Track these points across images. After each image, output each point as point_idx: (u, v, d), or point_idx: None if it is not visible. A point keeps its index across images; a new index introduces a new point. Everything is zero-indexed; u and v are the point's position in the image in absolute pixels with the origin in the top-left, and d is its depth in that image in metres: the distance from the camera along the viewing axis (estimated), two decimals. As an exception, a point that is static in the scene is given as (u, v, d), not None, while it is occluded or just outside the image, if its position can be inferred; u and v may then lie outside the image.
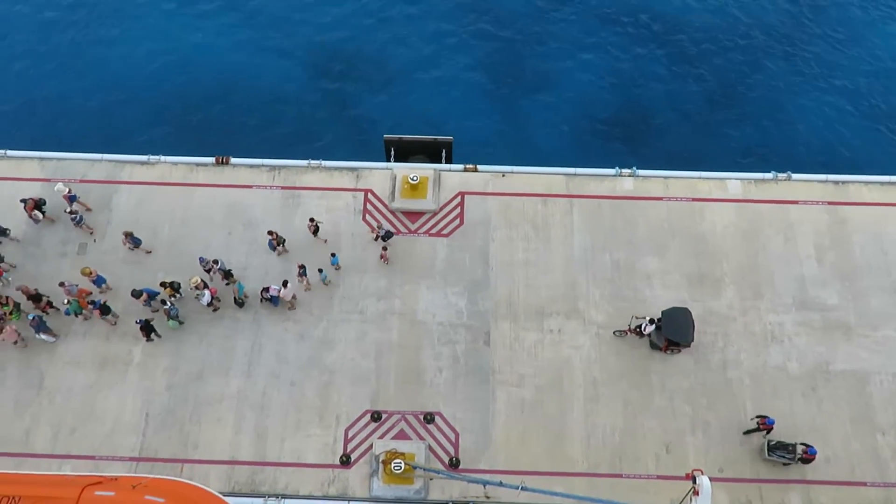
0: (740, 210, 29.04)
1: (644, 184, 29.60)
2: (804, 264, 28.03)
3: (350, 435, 24.97)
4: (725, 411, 25.34)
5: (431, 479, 23.92)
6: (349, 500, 23.90)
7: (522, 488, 20.92)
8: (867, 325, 26.92)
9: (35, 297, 25.73)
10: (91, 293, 26.17)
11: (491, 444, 24.91)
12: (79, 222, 27.43)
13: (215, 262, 26.44)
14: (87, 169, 29.44)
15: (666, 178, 29.72)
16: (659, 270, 27.83)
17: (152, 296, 25.98)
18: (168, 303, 25.56)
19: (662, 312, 25.60)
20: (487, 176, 29.77)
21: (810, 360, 26.34)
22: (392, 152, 31.47)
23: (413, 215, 28.82)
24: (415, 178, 28.78)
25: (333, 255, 27.15)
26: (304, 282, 26.86)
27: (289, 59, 40.88)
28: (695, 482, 20.46)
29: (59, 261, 27.49)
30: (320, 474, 24.39)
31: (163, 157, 29.79)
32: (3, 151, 29.68)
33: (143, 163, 29.69)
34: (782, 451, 24.03)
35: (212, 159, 29.72)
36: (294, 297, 26.55)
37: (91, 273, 25.93)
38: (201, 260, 26.49)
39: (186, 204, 28.86)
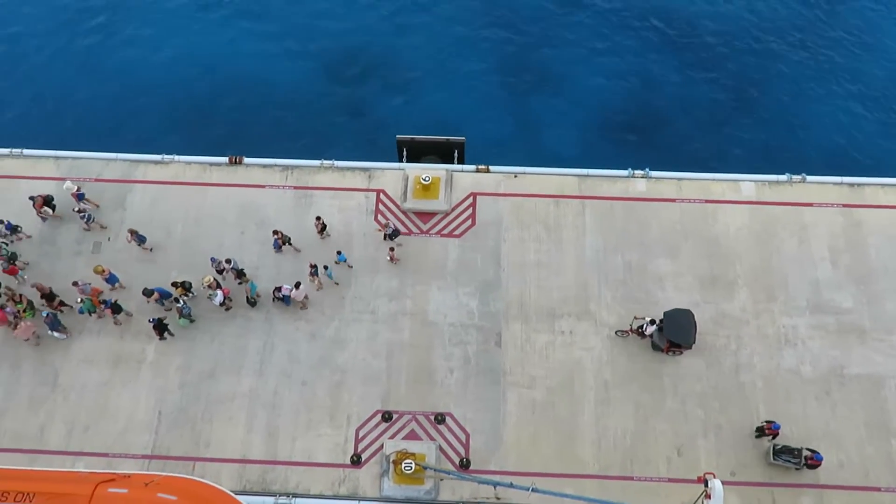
0: (754, 212, 28.86)
1: (657, 185, 29.49)
2: (818, 267, 27.82)
3: (361, 435, 25.02)
4: (738, 415, 25.19)
5: (442, 480, 23.92)
6: (360, 500, 23.94)
7: (533, 490, 20.83)
8: (882, 329, 26.67)
9: (49, 296, 25.96)
10: (103, 291, 26.37)
11: (501, 445, 24.88)
12: (88, 220, 27.66)
13: (228, 261, 26.57)
14: (102, 168, 29.68)
15: (679, 179, 29.60)
16: (671, 272, 27.71)
17: (164, 295, 26.14)
18: (181, 301, 25.71)
19: (664, 313, 25.46)
20: (499, 177, 29.75)
21: (824, 364, 26.14)
22: (404, 153, 31.52)
23: (425, 216, 28.84)
24: (427, 179, 28.80)
25: (339, 252, 27.23)
26: (316, 281, 26.95)
27: (302, 60, 41.02)
28: (707, 486, 20.32)
29: (74, 259, 27.72)
30: (331, 474, 24.45)
31: (177, 157, 29.99)
32: (19, 150, 29.99)
33: (157, 162, 29.90)
34: (788, 456, 23.87)
35: (225, 159, 29.88)
36: (306, 296, 26.63)
37: (104, 271, 26.13)
38: (212, 260, 26.64)
39: (200, 203, 29.03)
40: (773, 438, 24.30)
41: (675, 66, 41.25)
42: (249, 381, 25.80)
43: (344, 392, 25.69)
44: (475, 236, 28.49)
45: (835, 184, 29.47)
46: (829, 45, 41.88)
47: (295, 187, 29.43)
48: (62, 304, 26.24)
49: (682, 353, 25.96)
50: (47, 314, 25.30)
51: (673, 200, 29.13)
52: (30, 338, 25.86)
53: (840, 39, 42.12)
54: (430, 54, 41.31)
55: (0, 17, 42.03)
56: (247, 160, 29.93)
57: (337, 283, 27.32)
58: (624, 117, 39.57)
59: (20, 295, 26.03)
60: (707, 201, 29.05)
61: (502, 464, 24.53)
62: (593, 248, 28.21)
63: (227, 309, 26.74)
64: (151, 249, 27.90)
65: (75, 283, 25.80)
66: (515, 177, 29.74)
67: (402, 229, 28.40)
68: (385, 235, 27.58)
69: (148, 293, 25.89)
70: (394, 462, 23.90)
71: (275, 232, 27.20)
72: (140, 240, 27.42)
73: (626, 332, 26.30)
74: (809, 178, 29.51)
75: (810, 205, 29.00)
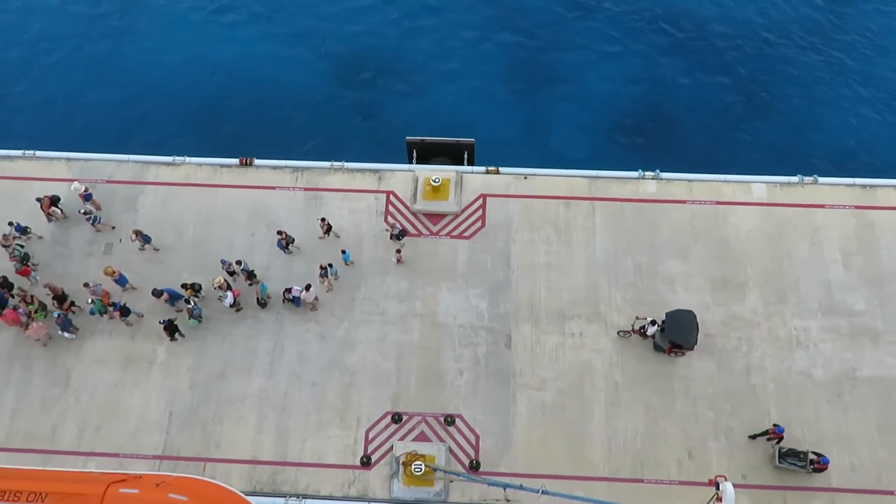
0: (765, 214, 28.73)
1: (667, 187, 29.39)
2: (830, 269, 27.66)
3: (371, 436, 25.05)
4: (749, 417, 25.06)
5: (451, 482, 23.91)
6: (369, 502, 23.97)
7: (543, 492, 20.78)
8: (895, 332, 26.46)
9: (60, 298, 26.13)
10: (111, 295, 26.50)
11: (511, 447, 24.85)
12: (94, 221, 27.81)
13: (238, 262, 26.66)
14: (114, 169, 29.84)
15: (690, 181, 29.50)
16: (682, 274, 27.61)
17: (173, 296, 26.26)
18: (191, 302, 25.82)
19: (666, 314, 25.36)
20: (509, 178, 29.72)
21: (836, 367, 25.98)
22: (414, 154, 31.56)
23: (435, 217, 28.86)
24: (437, 180, 28.81)
25: (344, 251, 27.30)
26: (326, 283, 27.00)
27: (312, 62, 41.13)
28: (718, 488, 20.26)
29: (86, 260, 27.88)
30: (341, 475, 24.48)
31: (188, 158, 30.10)
32: (31, 152, 30.18)
33: (168, 164, 30.03)
34: (793, 459, 23.74)
35: (236, 160, 29.99)
36: (316, 298, 26.69)
37: (114, 273, 26.27)
38: (223, 262, 26.74)
39: (211, 205, 29.14)
40: (778, 442, 24.15)
41: (685, 69, 41.11)
42: (260, 382, 25.88)
43: (354, 393, 25.72)
44: (485, 238, 28.48)
45: (847, 185, 29.30)
46: (841, 48, 41.64)
47: (305, 189, 29.50)
48: (73, 305, 26.40)
49: (683, 354, 25.87)
50: (58, 315, 25.47)
51: (683, 202, 29.03)
52: (41, 338, 26.02)
53: (851, 42, 41.87)
54: (440, 57, 41.34)
55: (14, 21, 42.31)
56: (257, 162, 30.03)
57: (336, 278, 27.30)
58: (634, 119, 39.48)
59: (31, 296, 26.20)
60: (718, 203, 28.93)
61: (512, 466, 24.50)
62: (603, 250, 28.15)
63: (238, 310, 26.83)
64: (157, 249, 28.02)
65: (86, 285, 25.96)
66: (525, 178, 29.71)
67: (412, 231, 28.43)
68: (391, 235, 27.61)
69: (157, 294, 26.02)
70: (404, 463, 23.90)
71: (279, 232, 27.30)
72: (145, 240, 27.57)
73: (628, 332, 26.25)
74: (821, 179, 29.35)
75: (822, 206, 28.84)
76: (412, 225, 28.67)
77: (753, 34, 42.22)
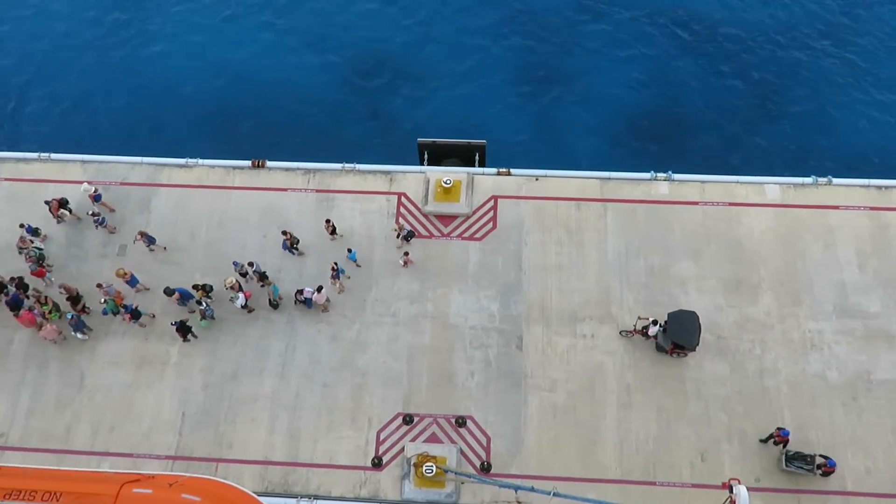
0: (779, 215, 28.54)
1: (680, 188, 29.26)
2: (845, 270, 27.44)
3: (382, 437, 25.08)
4: (762, 420, 24.87)
5: (462, 483, 23.89)
6: (380, 503, 24.00)
7: (554, 494, 20.74)
8: (911, 334, 26.26)
9: (74, 299, 26.37)
10: (125, 297, 26.71)
11: (523, 448, 24.81)
12: (101, 223, 28.06)
13: (250, 264, 26.81)
14: (128, 171, 30.07)
15: (702, 182, 29.33)
16: (694, 276, 27.48)
17: (184, 295, 26.43)
18: (204, 304, 25.97)
19: (669, 314, 25.23)
20: (521, 180, 29.69)
21: (851, 369, 25.76)
22: (425, 156, 31.62)
23: (446, 219, 28.87)
24: (448, 182, 28.83)
25: (350, 250, 27.37)
26: (338, 284, 27.08)
27: (324, 64, 41.28)
28: (731, 491, 20.15)
29: (100, 262, 28.10)
30: (352, 476, 24.53)
31: (200, 161, 30.30)
32: (46, 154, 30.48)
33: (181, 166, 30.23)
34: (800, 462, 23.55)
35: (248, 162, 30.15)
36: (327, 299, 26.77)
37: (125, 274, 26.49)
38: (235, 264, 26.89)
39: (223, 206, 29.31)
40: (784, 445, 23.97)
41: (697, 70, 40.91)
42: (271, 383, 25.98)
43: (365, 394, 25.77)
44: (496, 239, 28.46)
45: (862, 186, 29.05)
46: (853, 50, 41.25)
47: (317, 190, 29.60)
48: (86, 308, 26.63)
49: (686, 355, 25.75)
50: (72, 316, 25.70)
51: (696, 203, 28.88)
52: (56, 339, 26.27)
53: (864, 44, 41.48)
54: (451, 59, 41.35)
55: (30, 27, 42.70)
56: (269, 164, 30.16)
57: (348, 277, 27.39)
58: (646, 120, 39.33)
59: (46, 297, 26.46)
60: (731, 204, 28.76)
61: (523, 467, 24.46)
62: (615, 251, 28.06)
63: (250, 311, 26.96)
64: (165, 248, 28.22)
65: (99, 285, 26.18)
66: (537, 180, 29.67)
67: (424, 232, 28.47)
68: (399, 235, 27.65)
69: (169, 293, 26.20)
70: (415, 465, 23.91)
71: (284, 232, 27.42)
72: (149, 241, 27.78)
73: (631, 332, 26.16)
74: (836, 180, 29.12)
75: (836, 207, 28.61)
76: (423, 226, 28.70)
77: (766, 36, 41.93)
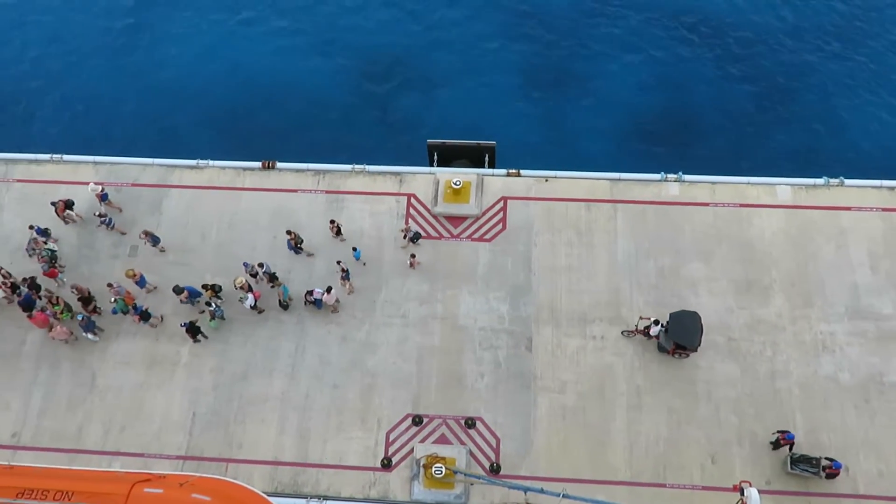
0: (790, 216, 28.38)
1: (690, 189, 29.15)
2: (857, 272, 27.25)
3: (391, 438, 25.11)
4: (774, 422, 24.72)
5: (472, 485, 23.86)
6: (390, 504, 24.07)
7: (564, 496, 20.69)
8: (924, 336, 26.06)
9: (86, 300, 26.54)
10: (136, 298, 26.86)
11: (532, 450, 24.78)
12: (108, 224, 28.22)
13: (260, 265, 26.90)
14: (139, 173, 30.24)
15: (713, 183, 29.21)
16: (705, 277, 27.36)
17: (193, 294, 26.56)
18: (213, 304, 26.07)
19: (670, 315, 25.12)
20: (530, 181, 29.65)
21: (863, 371, 25.58)
22: (435, 157, 31.64)
23: (456, 220, 28.87)
24: (458, 183, 28.84)
25: (355, 249, 27.45)
26: (348, 285, 27.13)
27: (334, 65, 41.38)
28: (742, 494, 20.06)
29: (112, 262, 28.26)
30: (361, 477, 24.56)
31: (211, 162, 30.42)
32: (59, 156, 30.69)
33: (192, 167, 30.37)
34: (805, 465, 23.40)
35: (258, 164, 30.25)
36: (337, 300, 26.82)
37: (135, 275, 26.64)
38: (245, 265, 27.00)
39: (234, 208, 29.42)
40: (791, 448, 23.81)
41: (707, 72, 40.75)
42: (281, 384, 26.06)
43: (374, 395, 25.81)
44: (506, 240, 28.44)
45: (874, 187, 28.84)
46: (865, 52, 40.97)
47: (327, 192, 29.67)
48: (97, 308, 26.81)
49: (688, 355, 25.65)
50: (82, 317, 25.86)
51: (706, 204, 28.76)
52: (67, 339, 26.45)
53: (875, 46, 41.18)
54: (461, 60, 41.36)
55: (44, 29, 43.01)
56: (280, 165, 30.26)
57: (349, 277, 27.40)
58: (656, 121, 39.18)
59: (57, 297, 26.63)
60: (742, 205, 28.62)
61: (533, 469, 24.43)
62: (625, 253, 27.98)
63: (260, 312, 27.05)
64: (163, 250, 28.33)
65: (110, 285, 26.35)
66: (546, 181, 29.63)
67: (433, 233, 28.49)
68: (405, 236, 27.68)
69: (178, 291, 26.34)
70: (424, 466, 23.93)
71: (288, 232, 27.49)
72: (154, 241, 27.93)
73: (632, 331, 26.08)
74: (847, 181, 28.93)
75: (849, 209, 28.42)
76: (433, 228, 28.72)
77: (775, 38, 41.70)
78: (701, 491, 23.92)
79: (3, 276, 27.05)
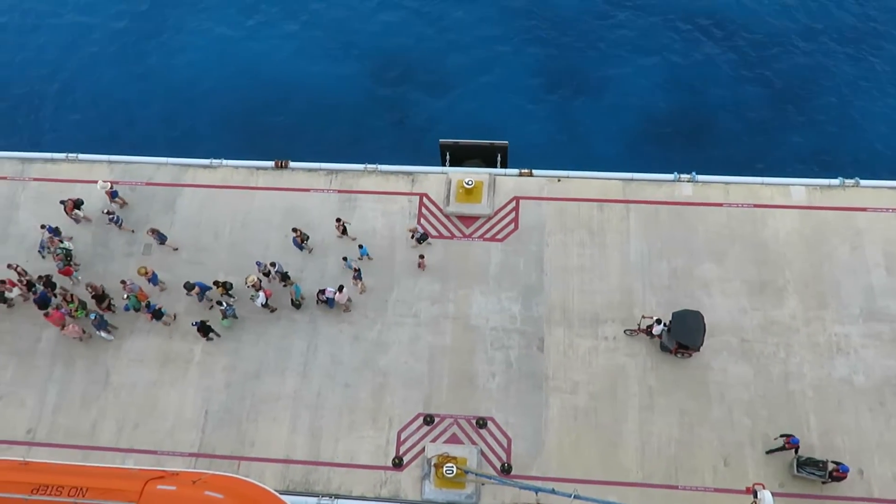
0: (804, 217, 28.17)
1: (704, 189, 29.00)
2: (872, 273, 27.01)
3: (403, 437, 25.14)
4: (787, 424, 24.56)
5: (483, 485, 23.86)
6: (401, 503, 24.05)
7: (575, 496, 20.64)
8: (940, 339, 25.79)
9: (100, 297, 26.76)
10: (150, 296, 27.07)
11: (543, 450, 24.74)
12: (116, 222, 28.43)
13: (273, 264, 27.01)
14: (154, 172, 30.45)
15: (727, 183, 29.04)
16: (718, 278, 27.21)
17: (204, 290, 26.71)
18: (224, 303, 26.19)
19: (673, 314, 25.06)
20: (543, 181, 29.60)
21: (878, 374, 25.35)
22: (447, 157, 31.63)
23: (468, 220, 28.87)
24: (470, 183, 28.83)
25: (361, 246, 27.56)
26: (360, 284, 27.19)
27: (346, 66, 41.48)
28: (756, 496, 19.95)
29: (126, 260, 28.48)
30: (373, 476, 24.61)
31: (224, 161, 30.59)
32: (74, 155, 30.95)
33: (205, 166, 30.55)
34: (812, 468, 23.23)
35: (271, 163, 30.39)
36: (349, 299, 26.89)
37: (147, 273, 26.84)
38: (258, 264, 27.12)
39: (247, 207, 29.56)
40: (796, 452, 23.64)
41: (721, 70, 40.50)
42: (293, 383, 26.15)
43: (386, 394, 25.85)
44: (518, 240, 28.41)
45: (890, 188, 28.57)
46: (880, 54, 40.57)
47: (339, 191, 29.75)
48: (110, 306, 27.02)
49: (690, 355, 25.53)
50: (95, 316, 26.07)
51: (720, 205, 28.60)
52: (81, 337, 26.68)
53: (892, 48, 40.77)
54: (473, 59, 41.34)
55: (59, 31, 43.39)
56: (292, 164, 30.38)
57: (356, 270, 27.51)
58: (669, 121, 38.99)
59: (71, 295, 26.86)
60: (756, 206, 28.44)
61: (544, 469, 24.39)
62: (638, 253, 27.88)
63: (272, 311, 27.16)
64: (177, 249, 28.57)
65: (123, 283, 26.55)
66: (559, 181, 29.57)
67: (445, 233, 28.50)
68: (412, 236, 27.70)
69: (189, 287, 26.50)
70: (435, 465, 23.95)
71: (294, 230, 27.59)
72: (160, 238, 28.11)
73: (635, 330, 25.98)
74: (863, 182, 28.67)
75: (864, 209, 28.18)
76: (445, 227, 28.73)
77: (791, 35, 41.39)
78: (713, 493, 23.80)
79: (20, 274, 27.33)
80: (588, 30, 42.19)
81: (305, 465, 24.84)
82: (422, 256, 27.44)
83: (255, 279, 26.49)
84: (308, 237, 27.93)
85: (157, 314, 26.41)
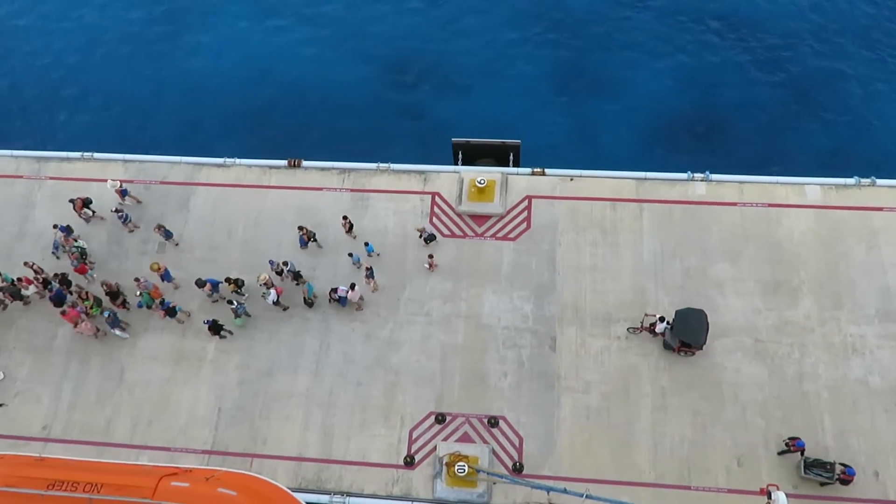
0: (820, 217, 27.94)
1: (717, 189, 28.83)
2: (889, 273, 26.76)
3: (414, 436, 25.17)
4: (801, 425, 24.39)
5: (495, 484, 23.85)
6: (412, 501, 24.08)
7: (587, 496, 20.59)
8: (957, 340, 25.52)
9: (114, 295, 26.97)
10: (164, 295, 27.24)
11: (555, 450, 24.69)
12: (125, 220, 28.60)
13: (285, 263, 27.11)
14: (168, 171, 30.65)
15: (741, 183, 28.85)
16: (732, 278, 27.04)
17: (215, 286, 26.86)
18: (235, 302, 26.30)
19: (676, 312, 24.91)
20: (555, 180, 29.54)
21: (894, 375, 25.11)
22: (460, 155, 31.61)
23: (480, 219, 28.85)
24: (482, 182, 28.81)
25: (367, 244, 27.64)
26: (372, 283, 27.24)
27: (359, 65, 41.51)
28: (770, 497, 19.82)
29: (140, 259, 28.68)
30: (384, 474, 24.66)
31: (238, 160, 30.74)
32: (89, 154, 31.21)
33: (219, 165, 30.71)
34: (819, 470, 23.04)
35: (284, 162, 30.51)
36: (361, 298, 26.95)
37: (159, 269, 27.03)
38: (271, 263, 27.22)
39: (260, 206, 29.69)
40: (802, 454, 23.45)
41: (735, 68, 40.22)
42: (306, 381, 26.25)
43: (398, 393, 25.89)
44: (530, 240, 28.37)
45: (906, 188, 28.31)
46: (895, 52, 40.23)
47: (351, 190, 29.83)
48: (125, 303, 27.22)
49: (693, 353, 25.39)
50: (108, 314, 26.26)
51: (734, 204, 28.42)
52: (95, 334, 26.89)
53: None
54: (485, 58, 41.30)
55: (73, 30, 43.72)
56: (305, 163, 30.49)
57: (359, 266, 27.59)
58: (683, 120, 38.76)
59: (86, 292, 27.08)
60: (770, 205, 28.24)
61: (556, 469, 24.34)
62: (651, 253, 27.76)
63: (285, 309, 27.26)
64: (178, 244, 28.78)
65: (137, 280, 26.76)
66: (571, 180, 29.49)
67: (457, 232, 28.49)
68: (421, 236, 27.71)
69: (200, 284, 26.67)
70: (447, 464, 23.96)
71: (300, 228, 27.67)
72: (166, 234, 28.33)
73: (638, 328, 25.88)
74: (879, 181, 28.40)
75: (880, 209, 27.92)
76: (457, 226, 28.73)
77: (806, 33, 41.03)
78: (727, 494, 23.66)
79: (36, 272, 27.58)
80: (600, 31, 41.99)
81: (317, 462, 24.92)
82: (431, 256, 27.45)
83: (267, 277, 26.59)
84: (315, 235, 28.00)
85: (171, 312, 26.58)
